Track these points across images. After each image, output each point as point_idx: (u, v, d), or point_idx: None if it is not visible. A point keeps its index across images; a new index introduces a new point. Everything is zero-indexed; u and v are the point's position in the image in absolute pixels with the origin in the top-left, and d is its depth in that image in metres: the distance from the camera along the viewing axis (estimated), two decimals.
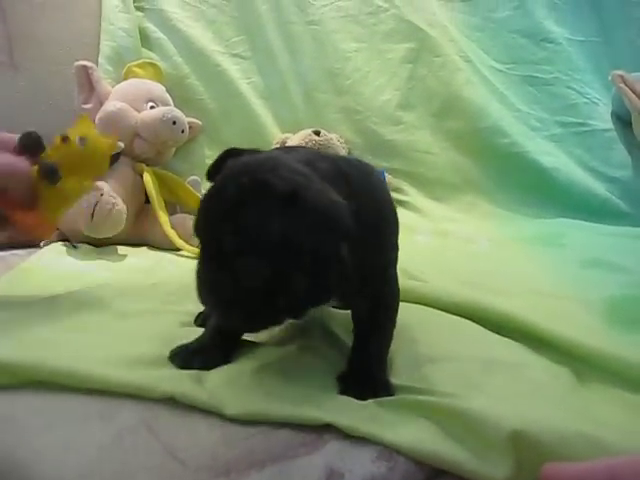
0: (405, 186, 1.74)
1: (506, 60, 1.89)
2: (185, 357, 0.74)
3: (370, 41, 1.84)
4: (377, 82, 1.81)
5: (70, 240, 1.43)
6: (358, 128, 1.78)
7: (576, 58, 1.91)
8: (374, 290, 0.75)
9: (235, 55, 1.78)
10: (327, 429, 0.63)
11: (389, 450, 0.61)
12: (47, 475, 0.54)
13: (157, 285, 1.07)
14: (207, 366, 0.72)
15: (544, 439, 0.57)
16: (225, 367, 0.73)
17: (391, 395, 0.69)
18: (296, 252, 0.58)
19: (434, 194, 1.75)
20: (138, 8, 1.74)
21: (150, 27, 1.74)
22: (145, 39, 1.72)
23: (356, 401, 0.67)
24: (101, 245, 1.36)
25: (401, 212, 1.56)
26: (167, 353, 0.74)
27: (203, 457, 0.57)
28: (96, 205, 1.27)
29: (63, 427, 0.60)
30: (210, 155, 1.69)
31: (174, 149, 1.60)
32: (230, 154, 0.73)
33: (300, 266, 0.58)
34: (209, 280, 0.64)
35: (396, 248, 0.80)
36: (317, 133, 1.63)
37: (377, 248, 0.72)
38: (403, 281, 1.08)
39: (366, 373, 0.72)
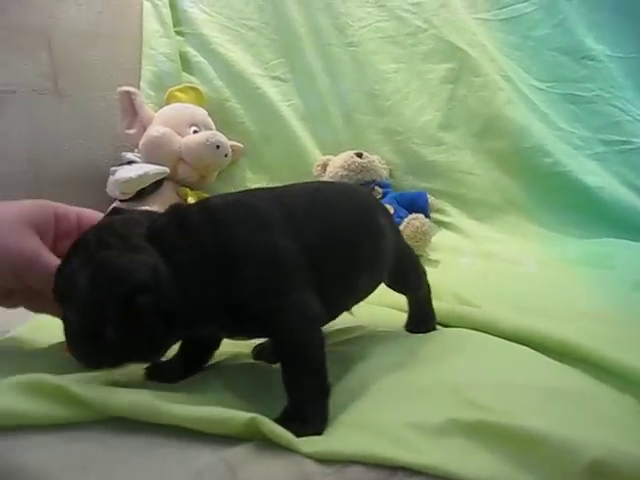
0: (447, 207, 1.72)
1: (546, 78, 1.87)
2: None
3: (410, 62, 1.83)
4: (417, 103, 1.80)
5: None
6: (399, 149, 1.77)
7: (617, 75, 1.88)
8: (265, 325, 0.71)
9: (275, 78, 1.78)
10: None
11: None
12: None
13: None
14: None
15: (624, 469, 0.55)
16: None
17: (318, 432, 0.67)
18: (89, 304, 0.63)
19: (476, 215, 1.73)
20: (178, 33, 1.75)
21: (190, 51, 1.74)
22: (185, 63, 1.73)
23: (426, 435, 0.65)
24: None
25: (444, 233, 1.57)
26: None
27: None
28: None
29: (143, 466, 0.59)
30: (252, 178, 1.69)
31: (217, 173, 1.60)
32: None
33: (101, 318, 0.63)
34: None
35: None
36: (359, 155, 1.62)
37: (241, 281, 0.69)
38: (455, 306, 1.08)
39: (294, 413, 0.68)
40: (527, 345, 0.92)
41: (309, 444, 0.62)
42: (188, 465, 0.60)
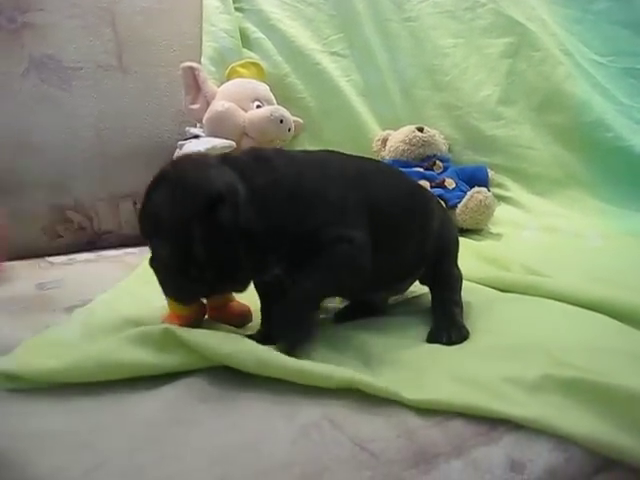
0: (507, 182, 1.72)
1: (607, 52, 1.85)
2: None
3: (468, 37, 1.83)
4: (476, 77, 1.79)
5: None
6: (458, 124, 1.77)
7: None
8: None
9: (334, 53, 1.78)
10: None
11: (565, 441, 0.60)
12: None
13: None
14: None
15: None
16: (388, 354, 0.74)
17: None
18: (174, 225, 0.68)
19: (536, 189, 1.73)
20: (238, 9, 1.75)
21: (250, 27, 1.75)
22: (245, 39, 1.74)
23: (524, 390, 0.66)
24: None
25: (504, 208, 1.57)
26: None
27: (390, 448, 0.57)
28: None
29: (249, 420, 0.61)
30: None
31: (278, 147, 1.61)
32: None
33: (188, 237, 0.67)
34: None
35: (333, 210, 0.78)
36: (420, 129, 1.63)
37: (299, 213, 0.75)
38: (526, 276, 1.08)
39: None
40: (601, 313, 0.92)
41: (412, 392, 0.63)
42: (292, 420, 0.61)
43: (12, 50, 1.47)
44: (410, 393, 0.63)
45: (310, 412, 0.62)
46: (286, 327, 0.73)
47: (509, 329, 0.84)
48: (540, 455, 0.59)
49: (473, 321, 0.88)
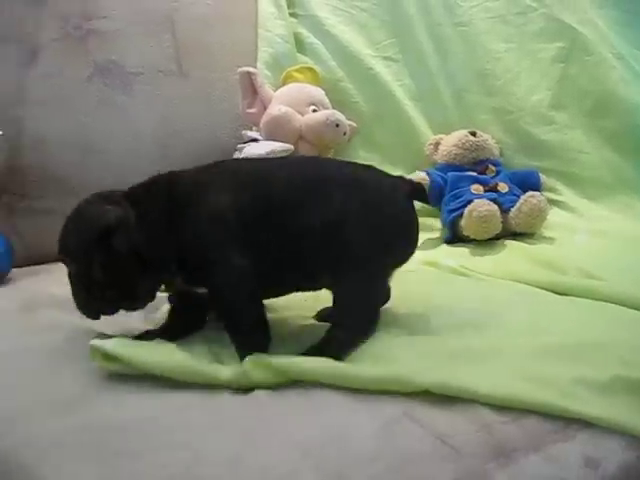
0: (559, 186, 1.72)
1: None
2: None
3: (520, 41, 1.83)
4: (528, 82, 1.80)
5: None
6: (510, 128, 1.77)
7: None
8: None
9: (386, 58, 1.80)
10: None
11: (638, 440, 0.62)
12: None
13: None
14: None
15: None
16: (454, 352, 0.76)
17: None
18: (77, 250, 0.81)
19: (588, 194, 1.72)
20: (292, 15, 1.79)
21: (304, 32, 1.78)
22: (299, 44, 1.77)
23: (595, 390, 0.68)
24: None
25: (556, 212, 1.58)
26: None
27: (470, 443, 0.60)
28: None
29: (337, 416, 0.64)
30: (365, 157, 1.71)
31: (332, 151, 1.64)
32: None
33: (88, 261, 0.79)
34: None
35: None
36: (473, 134, 1.64)
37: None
38: (581, 279, 1.10)
39: None
40: None
41: (486, 389, 0.65)
42: (374, 416, 0.64)
43: (78, 56, 1.53)
44: (484, 390, 0.66)
45: (390, 408, 0.65)
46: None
47: (571, 330, 0.87)
48: (614, 453, 0.61)
49: (534, 322, 0.90)
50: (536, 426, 0.63)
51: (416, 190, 0.98)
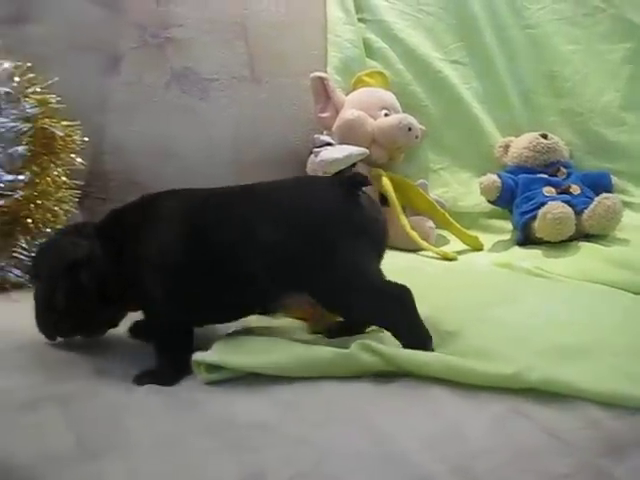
0: (630, 187, 1.71)
1: None
2: None
3: (588, 42, 1.83)
4: (597, 83, 1.80)
5: None
6: (579, 130, 1.77)
7: None
8: None
9: (454, 61, 1.82)
10: None
11: None
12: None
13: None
14: None
15: None
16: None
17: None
18: (44, 277, 0.87)
19: None
20: (360, 20, 1.81)
21: (372, 37, 1.80)
22: (368, 49, 1.79)
23: None
24: None
25: (628, 214, 1.57)
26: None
27: (581, 438, 0.61)
28: None
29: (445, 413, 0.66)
30: (434, 159, 1.74)
31: (403, 154, 1.66)
32: None
33: (52, 290, 0.84)
34: None
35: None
36: (544, 136, 1.64)
37: None
38: None
39: None
40: None
41: (594, 385, 0.67)
42: (483, 411, 0.66)
43: (156, 63, 1.58)
44: (590, 386, 0.67)
45: (497, 404, 0.67)
46: None
47: None
48: None
49: (621, 321, 0.91)
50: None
51: (354, 183, 0.87)
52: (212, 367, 0.77)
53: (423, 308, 0.93)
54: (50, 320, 0.87)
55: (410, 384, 0.72)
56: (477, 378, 0.70)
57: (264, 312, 0.92)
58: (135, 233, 0.86)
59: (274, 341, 0.84)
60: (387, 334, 0.82)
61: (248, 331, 0.89)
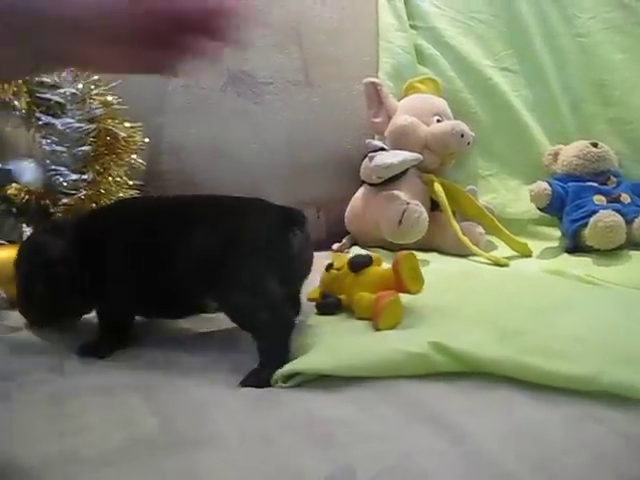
0: None
1: None
2: None
3: (637, 51, 1.83)
4: None
5: (359, 244, 1.55)
6: (628, 138, 1.78)
7: None
8: None
9: (504, 69, 1.84)
10: None
11: None
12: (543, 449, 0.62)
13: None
14: None
15: None
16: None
17: None
18: (24, 270, 0.99)
19: None
20: (412, 26, 1.84)
21: (424, 44, 1.83)
22: (420, 55, 1.82)
23: None
24: (392, 250, 1.45)
25: None
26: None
27: None
28: (404, 213, 1.37)
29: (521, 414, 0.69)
30: (483, 166, 1.76)
31: (454, 160, 1.68)
32: None
33: (34, 280, 0.96)
34: None
35: None
36: (595, 145, 1.65)
37: None
38: None
39: None
40: None
41: None
42: (556, 413, 0.68)
43: (213, 67, 1.60)
44: None
45: (570, 405, 0.69)
46: None
47: None
48: None
49: None
50: None
51: (293, 220, 0.92)
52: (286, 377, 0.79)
53: (485, 308, 0.96)
54: (28, 308, 1.01)
55: (481, 383, 0.75)
56: (549, 379, 0.72)
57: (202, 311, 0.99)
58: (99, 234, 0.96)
59: (345, 343, 0.87)
60: (450, 329, 0.85)
61: (316, 333, 0.91)
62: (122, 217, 0.98)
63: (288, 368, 0.79)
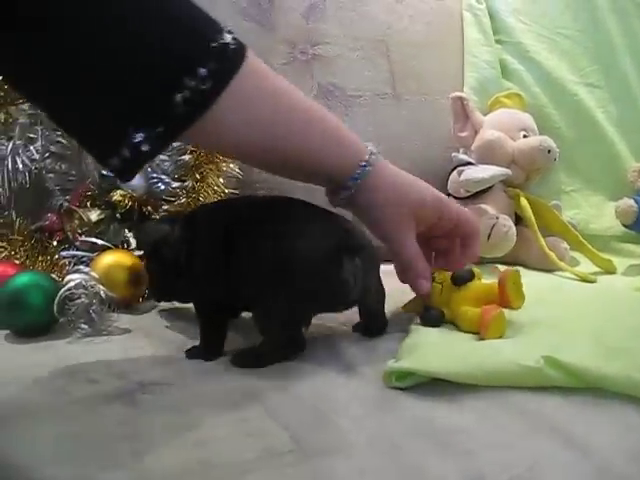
0: None
1: None
2: None
3: None
4: None
5: None
6: None
7: None
8: None
9: (589, 84, 1.84)
10: None
11: None
12: None
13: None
14: None
15: None
16: None
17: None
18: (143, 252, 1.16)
19: None
20: (497, 41, 1.85)
21: (509, 59, 1.84)
22: (504, 70, 1.83)
23: None
24: (478, 264, 1.46)
25: None
26: None
27: None
28: (493, 227, 1.39)
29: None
30: (566, 181, 1.76)
31: (539, 175, 1.68)
32: None
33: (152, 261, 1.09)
34: None
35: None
36: None
37: None
38: None
39: None
40: None
41: None
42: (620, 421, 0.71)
43: (304, 79, 1.65)
44: None
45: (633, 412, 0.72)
46: None
47: None
48: None
49: None
50: None
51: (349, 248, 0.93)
52: (402, 375, 0.82)
53: (584, 323, 0.98)
54: (151, 286, 1.14)
55: (595, 399, 0.76)
56: None
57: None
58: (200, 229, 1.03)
59: (456, 350, 0.89)
60: (556, 343, 0.88)
61: (426, 338, 0.94)
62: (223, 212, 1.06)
63: (400, 365, 0.82)
